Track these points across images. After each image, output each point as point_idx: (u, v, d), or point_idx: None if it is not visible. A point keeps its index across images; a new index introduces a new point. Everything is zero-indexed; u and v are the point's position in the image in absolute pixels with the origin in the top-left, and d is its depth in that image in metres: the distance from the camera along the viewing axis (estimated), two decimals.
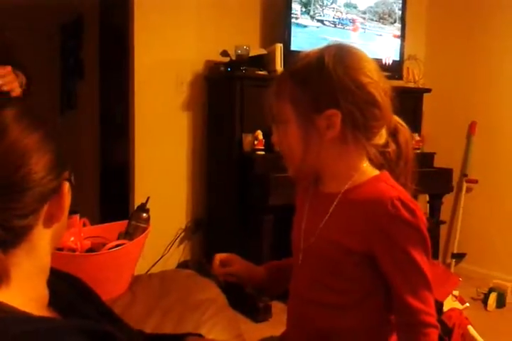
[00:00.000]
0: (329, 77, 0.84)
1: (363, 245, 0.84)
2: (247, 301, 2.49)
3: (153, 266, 2.63)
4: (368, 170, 0.90)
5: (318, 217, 0.91)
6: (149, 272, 2.34)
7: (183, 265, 2.76)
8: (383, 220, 0.82)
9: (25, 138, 0.61)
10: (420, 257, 0.83)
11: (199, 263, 2.76)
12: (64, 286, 0.76)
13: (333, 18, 2.96)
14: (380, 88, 0.86)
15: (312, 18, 2.87)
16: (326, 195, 0.92)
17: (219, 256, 1.05)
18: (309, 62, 0.87)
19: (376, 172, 0.90)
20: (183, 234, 2.87)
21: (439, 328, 0.85)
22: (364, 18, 3.08)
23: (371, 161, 0.91)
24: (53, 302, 0.70)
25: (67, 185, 0.65)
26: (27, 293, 0.62)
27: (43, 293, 0.65)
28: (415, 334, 0.83)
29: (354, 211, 0.86)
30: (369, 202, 0.84)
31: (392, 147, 0.92)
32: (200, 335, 1.00)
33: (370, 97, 0.85)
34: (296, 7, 2.79)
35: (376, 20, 3.13)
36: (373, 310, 0.89)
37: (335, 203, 0.89)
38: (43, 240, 0.64)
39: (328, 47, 0.89)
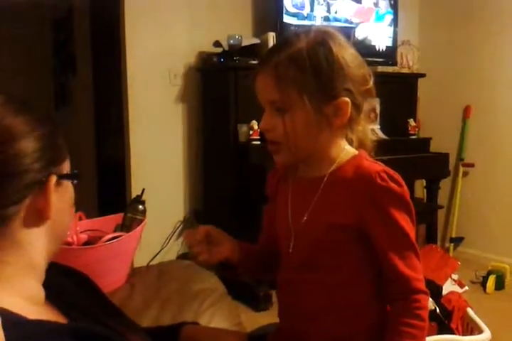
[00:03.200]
0: (341, 66, 0.85)
1: (354, 218, 0.86)
2: (247, 291, 2.50)
3: (152, 258, 2.64)
4: (348, 149, 0.93)
5: (305, 201, 0.92)
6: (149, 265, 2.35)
7: (182, 257, 2.77)
8: (373, 192, 0.85)
9: (11, 118, 0.58)
10: (407, 225, 0.87)
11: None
12: (65, 281, 0.76)
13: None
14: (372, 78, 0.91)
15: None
16: (310, 180, 0.93)
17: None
18: (314, 48, 0.85)
19: (355, 151, 0.93)
20: (181, 226, 2.87)
21: (429, 294, 0.88)
22: None
23: (350, 141, 0.94)
24: (54, 297, 0.70)
25: (53, 180, 0.62)
26: (18, 292, 0.61)
27: (37, 291, 0.65)
28: (406, 301, 0.86)
29: (342, 188, 0.88)
30: (357, 178, 0.87)
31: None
32: (196, 323, 1.01)
33: (370, 88, 0.90)
34: None
35: None
36: (363, 287, 0.91)
37: (322, 185, 0.90)
38: (34, 240, 0.62)
39: (322, 32, 0.89)
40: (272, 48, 0.95)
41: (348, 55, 0.87)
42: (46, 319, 0.60)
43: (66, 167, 0.66)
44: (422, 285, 0.87)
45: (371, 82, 0.90)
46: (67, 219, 0.69)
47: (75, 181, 0.69)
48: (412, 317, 0.85)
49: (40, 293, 0.66)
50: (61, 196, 0.65)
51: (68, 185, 0.67)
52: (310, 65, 0.84)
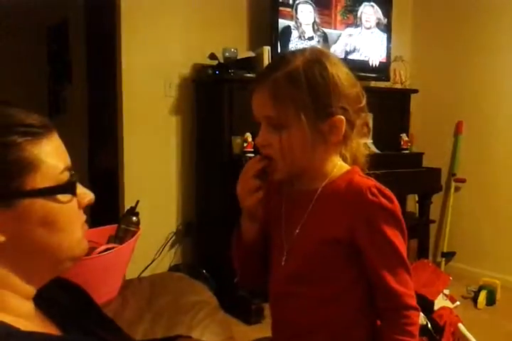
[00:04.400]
0: (336, 84, 0.87)
1: (345, 233, 0.87)
2: (239, 304, 2.49)
3: (144, 270, 2.62)
4: (341, 165, 0.94)
5: (298, 215, 0.93)
6: (140, 276, 2.33)
7: (174, 269, 2.75)
8: (364, 207, 0.86)
9: None
10: (398, 241, 0.87)
11: (190, 267, 2.76)
12: (59, 292, 0.75)
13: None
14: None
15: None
16: (303, 193, 0.94)
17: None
18: (309, 67, 0.87)
19: (348, 166, 0.95)
20: (173, 238, 2.86)
21: (420, 310, 0.88)
22: None
23: (345, 157, 0.95)
24: (47, 309, 0.69)
25: (25, 202, 0.60)
26: (3, 309, 0.61)
27: (24, 307, 0.64)
28: (397, 317, 0.86)
29: (334, 203, 0.89)
30: (348, 192, 0.88)
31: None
32: (190, 337, 1.00)
33: (363, 105, 0.92)
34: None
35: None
36: (353, 302, 0.91)
37: (315, 198, 0.91)
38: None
39: (317, 51, 0.91)
40: (269, 66, 0.95)
41: (342, 73, 0.89)
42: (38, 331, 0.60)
43: (30, 182, 0.61)
44: (413, 301, 0.87)
45: (364, 101, 0.92)
46: (46, 239, 0.63)
47: (58, 197, 0.63)
48: (402, 333, 0.85)
49: (28, 308, 0.65)
50: (20, 216, 0.60)
51: (36, 203, 0.61)
52: (306, 83, 0.86)
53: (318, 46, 0.95)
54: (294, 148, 0.87)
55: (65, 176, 0.65)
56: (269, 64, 0.98)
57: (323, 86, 0.86)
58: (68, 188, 0.65)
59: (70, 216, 0.66)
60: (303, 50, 0.91)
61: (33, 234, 0.62)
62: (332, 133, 0.88)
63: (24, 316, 0.63)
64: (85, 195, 0.70)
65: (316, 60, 0.88)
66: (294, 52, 0.91)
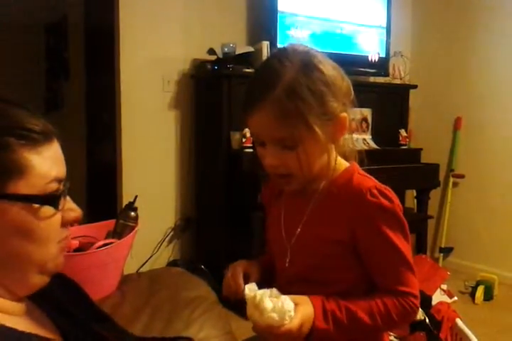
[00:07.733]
0: (333, 83, 0.85)
1: (346, 234, 0.86)
2: (238, 299, 2.49)
3: (142, 265, 2.63)
4: (340, 162, 0.93)
5: (299, 214, 0.92)
6: (139, 271, 2.34)
7: (172, 264, 2.76)
8: (364, 209, 0.85)
9: None
10: (400, 241, 0.86)
11: (189, 262, 2.76)
12: (55, 287, 0.75)
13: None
14: None
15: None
16: (304, 193, 0.93)
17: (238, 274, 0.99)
18: (306, 74, 0.82)
19: (346, 163, 0.93)
20: (172, 233, 2.86)
21: (419, 307, 0.88)
22: None
23: (341, 153, 0.94)
24: (43, 303, 0.69)
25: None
26: None
27: (11, 306, 0.64)
28: (396, 301, 0.85)
29: (335, 203, 0.88)
30: (348, 194, 0.87)
31: None
32: (190, 339, 1.00)
33: (353, 98, 0.90)
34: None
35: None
36: None
37: (315, 198, 0.91)
38: None
39: (304, 54, 0.86)
40: (262, 83, 0.85)
41: (331, 69, 0.86)
42: (21, 330, 0.60)
43: (13, 186, 0.59)
44: (416, 301, 0.86)
45: (352, 92, 0.90)
46: (16, 246, 0.61)
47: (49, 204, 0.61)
48: (395, 304, 0.84)
49: (16, 306, 0.65)
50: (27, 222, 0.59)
51: (14, 208, 0.59)
52: (309, 92, 0.82)
53: (297, 44, 0.88)
54: (313, 159, 0.86)
55: (53, 187, 0.62)
56: (257, 80, 0.88)
57: (324, 88, 0.83)
58: (50, 200, 0.62)
59: (48, 231, 0.63)
60: (287, 55, 0.85)
61: (2, 238, 0.60)
62: (338, 131, 0.87)
63: (16, 314, 0.63)
64: (72, 211, 0.67)
65: (308, 64, 0.83)
66: (280, 60, 0.84)
